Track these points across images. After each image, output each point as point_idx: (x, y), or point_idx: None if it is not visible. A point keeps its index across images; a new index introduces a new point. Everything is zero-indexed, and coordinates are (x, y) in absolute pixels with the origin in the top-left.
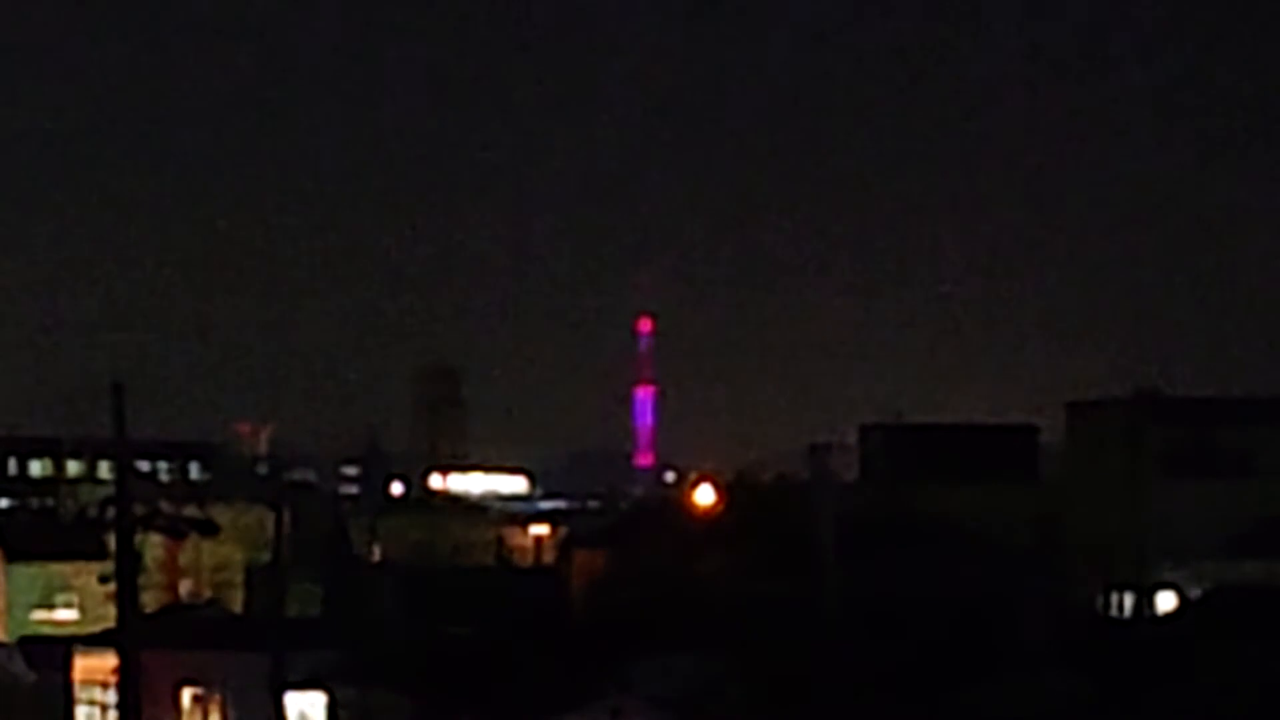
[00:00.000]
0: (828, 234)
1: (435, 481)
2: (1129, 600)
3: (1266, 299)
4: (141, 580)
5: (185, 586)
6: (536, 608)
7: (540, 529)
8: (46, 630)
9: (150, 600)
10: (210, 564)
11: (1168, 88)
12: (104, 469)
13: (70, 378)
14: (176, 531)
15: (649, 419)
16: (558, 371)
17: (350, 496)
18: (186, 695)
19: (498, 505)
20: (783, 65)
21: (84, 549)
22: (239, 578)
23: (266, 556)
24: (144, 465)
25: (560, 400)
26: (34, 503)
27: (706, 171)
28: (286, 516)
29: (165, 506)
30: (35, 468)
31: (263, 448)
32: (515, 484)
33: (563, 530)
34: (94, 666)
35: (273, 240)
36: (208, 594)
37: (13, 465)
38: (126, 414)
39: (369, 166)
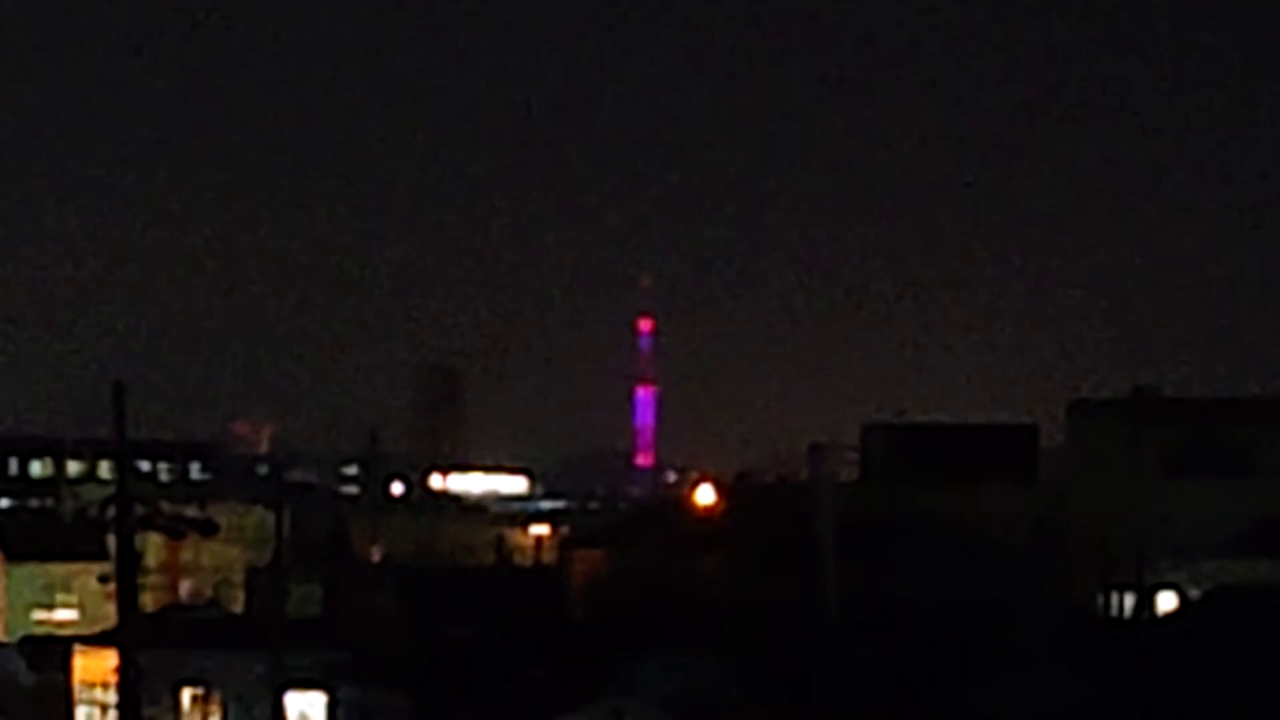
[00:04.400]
0: (828, 234)
1: (435, 481)
2: (1129, 600)
3: (1266, 299)
4: (141, 580)
5: (185, 586)
6: (536, 608)
7: (540, 529)
8: (46, 630)
9: (150, 600)
10: (210, 564)
11: (1167, 87)
12: (104, 469)
13: (70, 378)
14: (176, 531)
15: (649, 419)
16: (558, 371)
17: (350, 496)
18: (186, 695)
19: (498, 505)
20: (784, 65)
21: (84, 549)
22: (239, 578)
23: (266, 556)
24: (144, 465)
25: (560, 400)
26: (34, 503)
27: (707, 171)
28: (286, 516)
29: (165, 506)
30: (35, 468)
31: (263, 448)
32: (515, 484)
33: (563, 530)
34: (94, 666)
35: (273, 240)
36: (208, 594)
37: (13, 465)
38: (126, 414)
39: (369, 166)
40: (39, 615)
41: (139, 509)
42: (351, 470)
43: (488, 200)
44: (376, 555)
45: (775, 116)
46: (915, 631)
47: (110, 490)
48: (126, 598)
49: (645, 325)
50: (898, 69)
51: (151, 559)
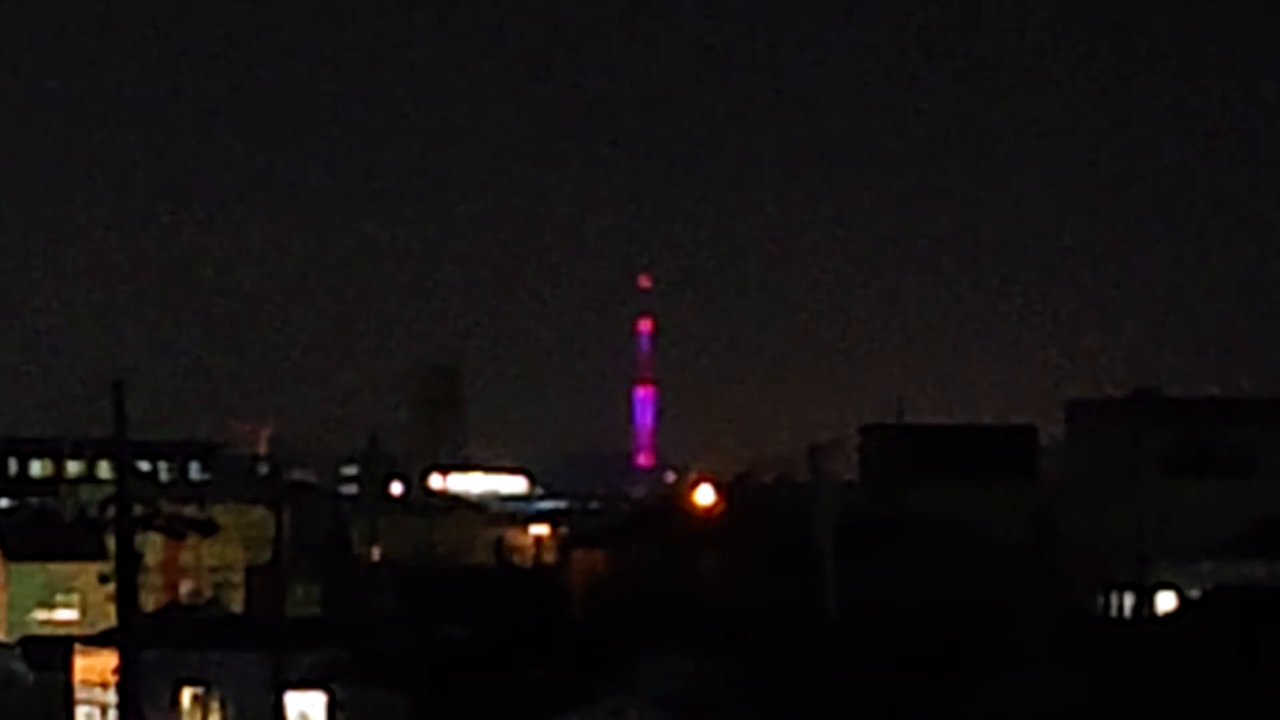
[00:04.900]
0: (828, 234)
1: (435, 481)
2: (1129, 600)
3: (1266, 299)
4: (141, 580)
5: (185, 586)
6: (536, 608)
7: (540, 529)
8: (46, 630)
9: (150, 600)
10: (210, 564)
11: (1167, 87)
12: (104, 469)
13: (70, 378)
14: (176, 531)
15: (649, 419)
16: (558, 371)
17: (350, 496)
18: (186, 695)
19: (498, 505)
20: (784, 65)
21: (84, 549)
22: (239, 578)
23: (266, 556)
24: (144, 465)
25: (560, 400)
26: (34, 503)
27: (707, 172)
28: (286, 516)
29: (165, 506)
30: (35, 468)
31: (263, 448)
32: (515, 484)
33: (563, 530)
34: (94, 666)
35: (273, 240)
36: (208, 594)
37: (13, 465)
38: (126, 414)
39: (369, 166)
40: (39, 615)
41: (139, 509)
42: (351, 470)
43: (488, 200)
44: (376, 555)
45: (775, 116)
46: (915, 631)
47: (110, 490)
48: (126, 598)
49: (645, 325)
50: (896, 69)
51: (151, 559)
